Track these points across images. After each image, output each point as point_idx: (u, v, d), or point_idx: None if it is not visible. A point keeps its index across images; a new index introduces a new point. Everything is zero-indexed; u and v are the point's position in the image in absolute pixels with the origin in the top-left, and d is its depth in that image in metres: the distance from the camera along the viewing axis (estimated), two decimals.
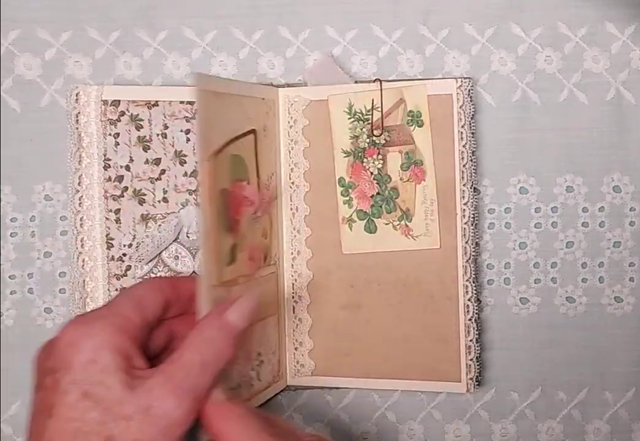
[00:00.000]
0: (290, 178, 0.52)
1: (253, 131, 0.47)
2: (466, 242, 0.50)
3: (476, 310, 0.51)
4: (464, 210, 0.50)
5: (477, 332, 0.51)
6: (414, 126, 0.50)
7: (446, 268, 0.50)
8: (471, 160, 0.50)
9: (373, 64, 0.52)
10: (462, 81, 0.50)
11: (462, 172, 0.50)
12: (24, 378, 0.51)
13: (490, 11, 0.52)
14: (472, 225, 0.50)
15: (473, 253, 0.50)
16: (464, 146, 0.50)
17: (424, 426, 0.53)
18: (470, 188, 0.50)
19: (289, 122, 0.51)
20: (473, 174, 0.50)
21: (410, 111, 0.50)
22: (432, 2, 0.52)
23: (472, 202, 0.50)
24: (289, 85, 0.52)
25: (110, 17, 0.52)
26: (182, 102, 0.50)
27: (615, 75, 0.52)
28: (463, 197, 0.50)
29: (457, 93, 0.50)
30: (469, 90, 0.50)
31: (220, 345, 0.38)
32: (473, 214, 0.50)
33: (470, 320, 0.50)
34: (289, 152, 0.52)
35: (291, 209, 0.52)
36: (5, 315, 0.52)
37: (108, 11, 0.52)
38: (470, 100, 0.50)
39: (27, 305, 0.52)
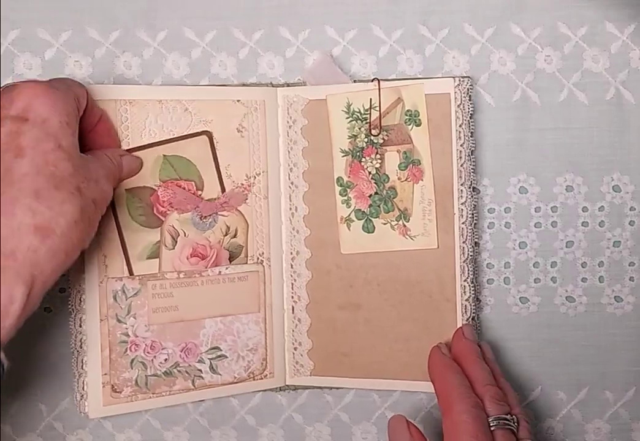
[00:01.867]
0: (289, 178, 0.52)
1: (206, 133, 0.50)
2: (464, 242, 0.50)
3: (475, 309, 0.51)
4: (462, 210, 0.50)
5: (476, 332, 0.51)
6: (411, 125, 0.50)
7: (444, 268, 0.50)
8: (469, 160, 0.50)
9: (373, 63, 0.53)
10: (460, 80, 0.50)
11: (460, 171, 0.50)
12: (24, 378, 0.51)
13: (489, 11, 0.52)
14: (470, 225, 0.50)
15: (471, 253, 0.50)
16: (461, 145, 0.50)
17: (424, 425, 0.53)
18: (469, 188, 0.50)
19: (288, 122, 0.52)
20: (471, 174, 0.50)
21: (407, 110, 0.50)
22: (431, 2, 0.52)
23: (470, 202, 0.50)
24: (288, 85, 0.52)
25: (110, 17, 0.52)
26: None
27: (614, 75, 0.52)
28: (461, 196, 0.50)
29: (455, 92, 0.50)
30: (468, 90, 0.50)
31: (108, 163, 0.45)
32: (471, 214, 0.50)
33: (468, 319, 0.50)
34: (288, 152, 0.52)
35: (290, 209, 0.52)
36: None
37: (108, 11, 0.52)
38: (469, 100, 0.50)
39: None
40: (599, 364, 0.53)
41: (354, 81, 0.51)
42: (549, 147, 0.52)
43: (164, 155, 0.50)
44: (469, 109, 0.50)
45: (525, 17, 0.52)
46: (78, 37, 0.52)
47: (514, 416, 0.43)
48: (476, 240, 0.51)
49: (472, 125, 0.50)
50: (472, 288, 0.50)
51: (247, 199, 0.51)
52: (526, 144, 0.52)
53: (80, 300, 0.49)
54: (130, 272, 0.49)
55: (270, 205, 0.51)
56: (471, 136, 0.50)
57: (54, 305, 0.52)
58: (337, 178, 0.52)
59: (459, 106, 0.50)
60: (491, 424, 0.42)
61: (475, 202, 0.51)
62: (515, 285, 0.53)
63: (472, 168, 0.50)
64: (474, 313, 0.51)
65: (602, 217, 0.53)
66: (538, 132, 0.52)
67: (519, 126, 0.52)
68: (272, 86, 0.52)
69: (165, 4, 0.52)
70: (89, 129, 0.46)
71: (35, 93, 0.39)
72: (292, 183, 0.52)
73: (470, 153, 0.50)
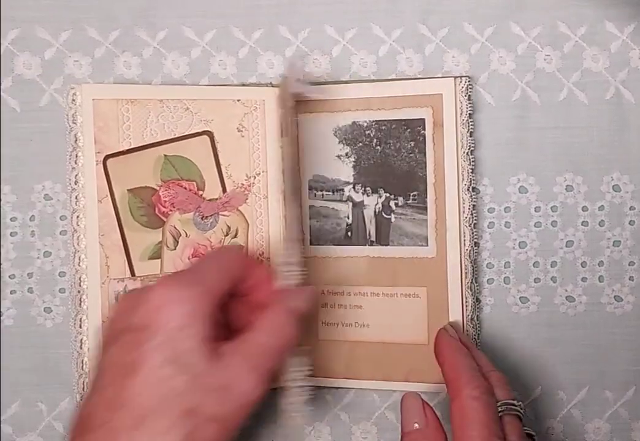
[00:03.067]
0: None
1: (207, 133, 0.50)
2: (464, 242, 0.50)
3: (475, 309, 0.51)
4: (461, 210, 0.50)
5: (476, 332, 0.51)
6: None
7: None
8: (469, 160, 0.50)
9: (372, 63, 0.52)
10: (459, 80, 0.50)
11: (459, 171, 0.50)
12: (24, 378, 0.51)
13: (489, 10, 0.52)
14: (470, 225, 0.50)
15: (472, 253, 0.50)
16: (460, 146, 0.50)
17: None
18: (468, 188, 0.50)
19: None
20: (470, 174, 0.50)
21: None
22: (431, 1, 0.52)
23: (469, 202, 0.50)
24: None
25: (109, 17, 0.52)
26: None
27: (614, 74, 0.52)
28: (460, 196, 0.50)
29: (455, 92, 0.50)
30: (467, 89, 0.50)
31: (289, 330, 0.40)
32: (471, 214, 0.50)
33: (469, 319, 0.50)
34: None
35: None
36: (5, 315, 0.52)
37: (108, 11, 0.52)
38: (468, 99, 0.50)
39: (27, 304, 0.52)
40: (599, 363, 0.53)
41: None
42: (548, 146, 0.52)
43: (165, 155, 0.50)
44: (467, 108, 0.50)
45: (525, 17, 0.52)
46: (78, 37, 0.52)
47: (520, 402, 0.43)
48: (475, 240, 0.51)
49: (471, 125, 0.50)
50: (473, 288, 0.50)
51: (247, 199, 0.51)
52: (526, 144, 0.52)
53: (80, 300, 0.49)
54: (132, 273, 0.49)
55: (270, 205, 0.51)
56: (470, 136, 0.50)
57: (54, 305, 0.52)
58: None
59: (457, 106, 0.50)
60: (499, 409, 0.41)
61: (474, 201, 0.51)
62: (515, 284, 0.53)
63: (471, 168, 0.50)
64: (474, 313, 0.51)
65: (602, 217, 0.53)
66: (538, 131, 0.52)
67: (518, 125, 0.52)
68: (272, 86, 0.52)
69: (164, 4, 0.52)
70: (249, 293, 0.43)
71: (154, 295, 0.37)
72: None
73: (469, 153, 0.50)
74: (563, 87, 0.52)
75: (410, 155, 0.51)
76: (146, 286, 0.38)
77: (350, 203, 0.52)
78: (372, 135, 0.51)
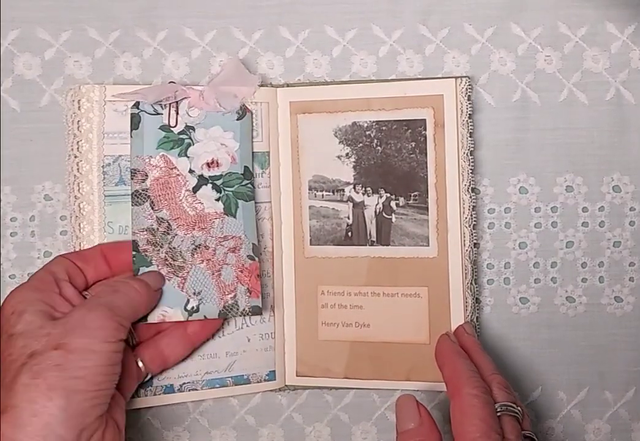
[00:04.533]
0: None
1: None
2: (464, 243, 0.50)
3: (475, 310, 0.51)
4: (461, 210, 0.50)
5: (476, 332, 0.51)
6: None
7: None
8: (469, 161, 0.50)
9: (373, 63, 0.52)
10: (459, 80, 0.50)
11: (459, 172, 0.50)
12: None
13: (490, 11, 0.52)
14: (469, 226, 0.50)
15: (471, 254, 0.50)
16: (461, 146, 0.50)
17: None
18: (468, 189, 0.50)
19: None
20: (470, 174, 0.50)
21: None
22: (431, 2, 0.52)
23: (469, 203, 0.50)
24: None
25: (110, 17, 0.52)
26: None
27: (615, 75, 0.52)
28: (460, 197, 0.50)
29: (455, 92, 0.50)
30: (467, 90, 0.50)
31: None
32: (470, 215, 0.50)
33: (469, 320, 0.50)
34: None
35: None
36: None
37: (108, 11, 0.52)
38: (468, 100, 0.50)
39: None
40: (599, 364, 0.53)
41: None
42: (549, 147, 0.52)
43: None
44: (467, 109, 0.50)
45: (525, 17, 0.52)
46: (78, 37, 0.52)
47: (519, 408, 0.43)
48: (476, 240, 0.51)
49: (471, 125, 0.50)
50: (474, 289, 0.50)
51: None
52: (526, 144, 0.52)
53: None
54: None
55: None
56: (470, 136, 0.50)
57: None
58: None
59: (458, 106, 0.50)
60: (498, 409, 0.42)
61: (474, 202, 0.51)
62: (515, 285, 0.53)
63: (471, 169, 0.50)
64: (474, 313, 0.51)
65: (602, 217, 0.53)
66: (538, 132, 0.52)
67: (519, 126, 0.52)
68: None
69: (165, 4, 0.52)
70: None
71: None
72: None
73: (469, 154, 0.50)
74: (563, 87, 0.52)
75: (411, 155, 0.51)
76: None
77: (351, 204, 0.52)
78: (372, 135, 0.51)
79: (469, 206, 0.50)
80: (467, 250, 0.50)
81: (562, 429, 0.53)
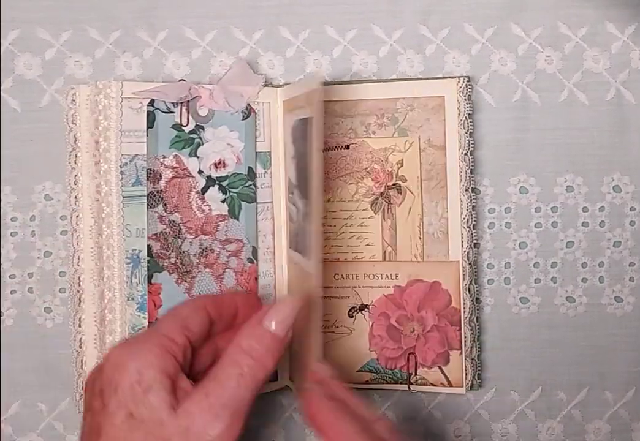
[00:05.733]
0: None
1: None
2: (463, 243, 0.50)
3: (475, 310, 0.51)
4: (461, 210, 0.50)
5: (477, 332, 0.51)
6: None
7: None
8: (467, 161, 0.50)
9: (373, 63, 0.53)
10: (459, 80, 0.50)
11: (459, 172, 0.50)
12: (24, 378, 0.51)
13: (490, 11, 0.52)
14: (468, 226, 0.50)
15: (470, 254, 0.50)
16: (459, 146, 0.50)
17: (424, 426, 0.53)
18: (467, 189, 0.50)
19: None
20: (469, 175, 0.50)
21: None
22: (432, 2, 0.52)
23: (468, 203, 0.50)
24: None
25: (110, 17, 0.52)
26: None
27: (615, 75, 0.52)
28: (459, 197, 0.50)
29: (453, 92, 0.50)
30: (466, 90, 0.50)
31: (258, 355, 0.38)
32: (470, 215, 0.50)
33: (467, 320, 0.50)
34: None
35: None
36: (5, 315, 0.52)
37: (108, 11, 0.52)
38: (468, 100, 0.50)
39: (27, 304, 0.52)
40: (599, 364, 0.53)
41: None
42: (549, 147, 0.52)
43: None
44: (467, 108, 0.50)
45: (525, 17, 0.52)
46: (78, 37, 0.52)
47: None
48: (476, 240, 0.51)
49: (470, 125, 0.50)
50: (471, 289, 0.50)
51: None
52: (526, 144, 0.52)
53: (80, 300, 0.49)
54: None
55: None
56: (470, 136, 0.50)
57: (54, 305, 0.52)
58: None
59: (457, 106, 0.50)
60: None
61: (474, 202, 0.51)
62: (515, 285, 0.53)
63: (470, 169, 0.50)
64: (474, 313, 0.51)
65: (602, 217, 0.53)
66: (538, 132, 0.52)
67: (519, 126, 0.52)
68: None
69: (165, 4, 0.52)
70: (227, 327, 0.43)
71: (111, 357, 0.38)
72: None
73: (468, 154, 0.50)
74: (564, 87, 0.52)
75: None
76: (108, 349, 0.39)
77: None
78: None
79: (467, 206, 0.50)
80: (465, 251, 0.50)
81: (562, 429, 0.53)
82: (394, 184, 0.51)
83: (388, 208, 0.51)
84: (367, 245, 0.51)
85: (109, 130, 0.48)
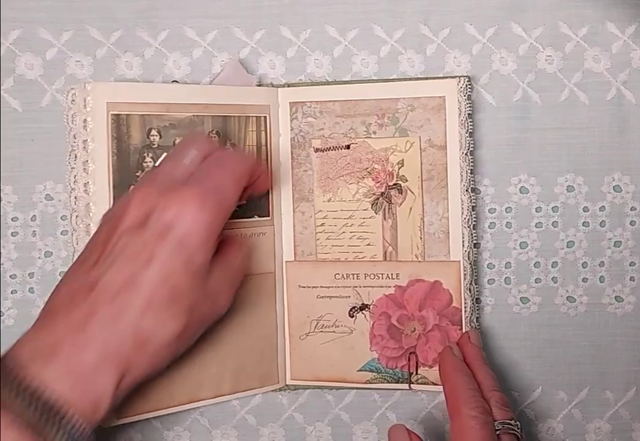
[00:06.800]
0: None
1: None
2: (464, 243, 0.50)
3: (475, 310, 0.51)
4: (461, 210, 0.50)
5: (477, 331, 0.51)
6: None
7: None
8: (467, 161, 0.50)
9: (374, 63, 0.53)
10: (459, 80, 0.50)
11: (459, 172, 0.50)
12: None
13: (491, 11, 0.52)
14: (468, 226, 0.50)
15: (470, 254, 0.50)
16: (459, 146, 0.50)
17: (424, 425, 0.53)
18: (467, 189, 0.50)
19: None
20: (469, 175, 0.50)
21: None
22: (432, 1, 0.52)
23: (468, 203, 0.50)
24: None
25: (111, 17, 0.52)
26: None
27: (616, 75, 0.52)
28: (460, 197, 0.50)
29: (453, 92, 0.50)
30: (466, 89, 0.50)
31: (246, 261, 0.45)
32: (470, 215, 0.50)
33: (468, 320, 0.50)
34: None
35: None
36: (6, 315, 0.52)
37: (109, 11, 0.52)
38: (468, 99, 0.50)
39: (28, 304, 0.52)
40: (600, 364, 0.53)
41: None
42: (550, 147, 0.52)
43: None
44: (467, 108, 0.50)
45: (526, 17, 0.52)
46: (79, 37, 0.52)
47: (517, 422, 0.43)
48: (476, 240, 0.51)
49: (470, 125, 0.50)
50: (472, 289, 0.50)
51: None
52: (527, 144, 0.52)
53: None
54: None
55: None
56: (470, 136, 0.50)
57: None
58: None
59: (458, 106, 0.50)
60: (497, 427, 0.42)
61: (474, 202, 0.51)
62: (516, 285, 0.53)
63: (470, 169, 0.50)
64: (474, 313, 0.51)
65: (603, 217, 0.53)
66: (539, 132, 0.52)
67: (519, 126, 0.52)
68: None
69: (166, 4, 0.52)
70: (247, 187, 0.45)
71: (188, 210, 0.39)
72: None
73: (468, 154, 0.50)
74: (564, 87, 0.52)
75: None
76: (169, 187, 0.40)
77: None
78: None
79: (468, 206, 0.50)
80: (465, 251, 0.50)
81: (563, 429, 0.53)
82: (394, 184, 0.51)
83: (389, 208, 0.51)
84: (368, 244, 0.51)
85: (96, 131, 0.47)
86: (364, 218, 0.51)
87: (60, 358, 0.36)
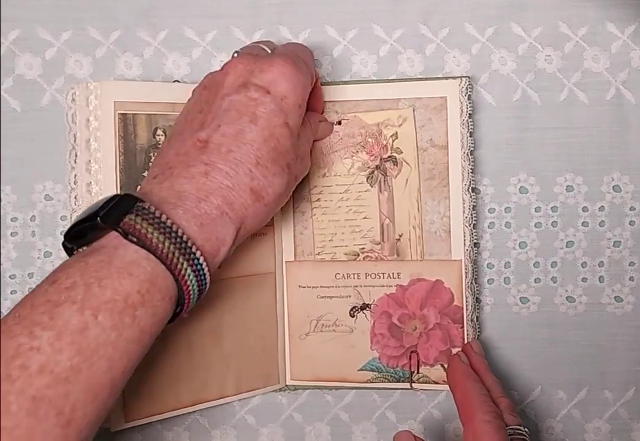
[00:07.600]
0: None
1: None
2: (465, 242, 0.50)
3: (476, 309, 0.51)
4: (461, 210, 0.50)
5: (476, 332, 0.51)
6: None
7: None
8: (469, 160, 0.50)
9: (373, 63, 0.53)
10: (461, 81, 0.50)
11: (460, 172, 0.50)
12: None
13: (490, 11, 0.52)
14: (469, 225, 0.50)
15: (471, 253, 0.50)
16: (461, 146, 0.50)
17: (424, 425, 0.53)
18: (468, 188, 0.50)
19: None
20: (470, 174, 0.50)
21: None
22: (432, 1, 0.52)
23: (469, 203, 0.50)
24: None
25: (111, 17, 0.52)
26: None
27: (615, 75, 0.52)
28: (460, 197, 0.50)
29: (455, 92, 0.50)
30: (467, 89, 0.50)
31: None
32: (471, 214, 0.50)
33: (469, 319, 0.50)
34: None
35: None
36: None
37: (109, 11, 0.52)
38: (468, 99, 0.50)
39: None
40: (599, 364, 0.53)
41: None
42: (549, 146, 0.53)
43: None
44: (467, 108, 0.50)
45: (525, 17, 0.52)
46: (79, 37, 0.52)
47: (526, 429, 0.44)
48: (476, 240, 0.51)
49: (470, 125, 0.50)
50: (472, 288, 0.51)
51: None
52: (526, 144, 0.52)
53: None
54: None
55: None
56: (470, 136, 0.50)
57: None
58: None
59: (459, 106, 0.50)
60: (508, 433, 0.43)
61: (474, 202, 0.51)
62: (515, 284, 0.53)
63: (470, 168, 0.50)
64: (474, 313, 0.51)
65: (602, 217, 0.53)
66: (538, 131, 0.52)
67: (519, 126, 0.52)
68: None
69: (166, 4, 0.52)
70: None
71: (284, 71, 0.42)
72: None
73: (469, 154, 0.50)
74: (564, 87, 0.52)
75: None
76: (262, 57, 0.43)
77: None
78: None
79: (469, 206, 0.50)
80: (467, 250, 0.50)
81: (562, 428, 0.53)
82: (389, 156, 0.51)
83: (384, 181, 0.51)
84: (365, 218, 0.51)
85: (99, 131, 0.47)
86: (359, 191, 0.51)
87: (186, 205, 0.38)
